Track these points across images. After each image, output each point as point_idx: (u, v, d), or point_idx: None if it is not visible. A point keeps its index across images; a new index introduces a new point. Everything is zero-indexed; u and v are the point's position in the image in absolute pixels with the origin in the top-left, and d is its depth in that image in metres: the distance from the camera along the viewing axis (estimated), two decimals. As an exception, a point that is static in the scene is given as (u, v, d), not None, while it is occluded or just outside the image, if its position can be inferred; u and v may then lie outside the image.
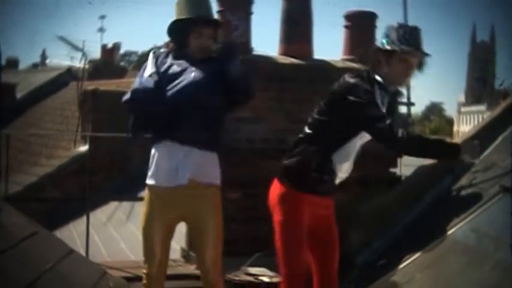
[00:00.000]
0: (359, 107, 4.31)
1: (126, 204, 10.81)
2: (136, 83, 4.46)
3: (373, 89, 4.34)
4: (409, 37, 4.42)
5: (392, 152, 4.57)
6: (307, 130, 4.57)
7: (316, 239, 4.62)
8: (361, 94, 4.30)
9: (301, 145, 4.54)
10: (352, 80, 4.39)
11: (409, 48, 4.40)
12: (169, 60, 4.44)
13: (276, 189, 4.61)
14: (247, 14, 6.45)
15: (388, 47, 4.42)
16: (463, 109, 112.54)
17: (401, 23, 4.60)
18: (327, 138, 4.48)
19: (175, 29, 4.47)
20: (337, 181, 4.65)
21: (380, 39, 4.54)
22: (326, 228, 4.67)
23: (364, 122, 4.37)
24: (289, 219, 4.51)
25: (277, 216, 4.55)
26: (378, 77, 4.43)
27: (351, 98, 4.32)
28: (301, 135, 4.61)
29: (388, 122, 4.22)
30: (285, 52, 6.62)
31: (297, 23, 6.73)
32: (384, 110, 4.30)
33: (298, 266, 4.49)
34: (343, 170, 4.62)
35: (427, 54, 4.54)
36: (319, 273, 4.65)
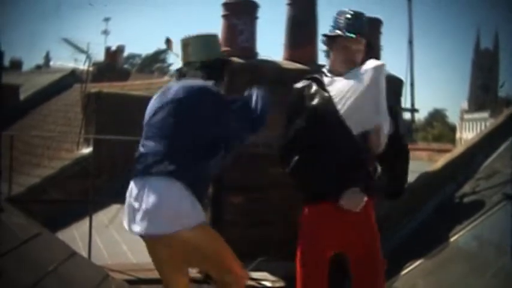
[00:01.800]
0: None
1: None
2: None
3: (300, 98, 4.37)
4: (352, 23, 4.29)
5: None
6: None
7: (353, 254, 4.23)
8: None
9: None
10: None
11: (350, 33, 4.26)
12: None
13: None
14: (253, 18, 6.46)
15: (329, 33, 4.34)
16: (466, 116, 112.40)
17: (342, 9, 4.43)
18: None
19: (216, 65, 4.49)
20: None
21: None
22: (360, 238, 4.22)
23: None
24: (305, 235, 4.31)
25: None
26: (324, 69, 4.41)
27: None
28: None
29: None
30: (290, 57, 6.63)
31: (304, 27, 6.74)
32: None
33: None
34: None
35: (351, 37, 4.30)
36: None
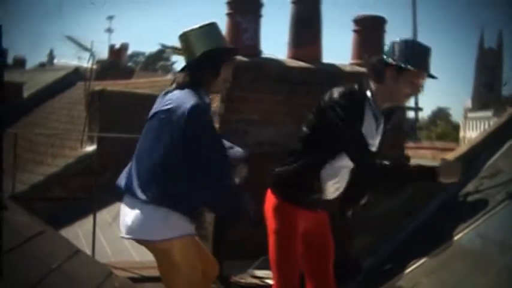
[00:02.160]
0: (337, 126, 4.12)
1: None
2: None
3: (362, 106, 4.19)
4: (423, 57, 4.14)
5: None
6: (298, 141, 4.45)
7: (309, 243, 4.56)
8: (341, 113, 4.09)
9: (291, 157, 4.43)
10: (336, 95, 4.15)
11: (421, 69, 4.11)
12: None
13: (269, 199, 4.53)
14: (257, 16, 6.46)
15: (401, 64, 4.07)
16: (469, 115, 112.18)
17: (415, 41, 4.31)
18: (313, 153, 4.34)
19: (206, 60, 4.28)
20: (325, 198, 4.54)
21: (387, 52, 4.21)
22: (318, 233, 4.60)
23: (342, 143, 4.21)
24: (283, 229, 4.42)
25: (271, 227, 4.48)
26: (368, 93, 4.22)
27: (331, 114, 4.13)
28: (293, 146, 4.49)
29: (365, 151, 4.12)
30: (294, 55, 6.63)
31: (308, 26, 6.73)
32: (374, 129, 4.23)
33: (293, 276, 4.42)
34: (330, 191, 4.46)
35: (435, 77, 4.23)
36: (313, 281, 4.61)
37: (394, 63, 4.11)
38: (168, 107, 4.12)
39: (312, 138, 4.35)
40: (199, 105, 4.04)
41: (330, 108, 4.13)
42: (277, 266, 4.46)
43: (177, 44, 4.47)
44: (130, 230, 4.20)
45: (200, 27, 4.31)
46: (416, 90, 4.22)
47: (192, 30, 4.30)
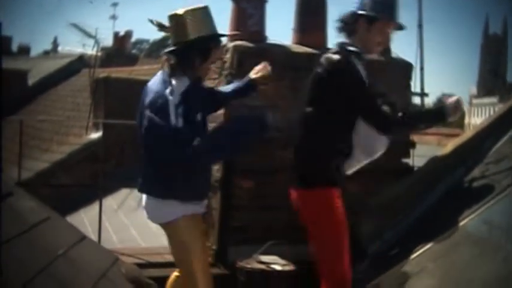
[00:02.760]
0: (348, 89, 4.37)
1: (137, 192, 10.82)
2: None
3: (353, 63, 4.39)
4: (391, 8, 4.49)
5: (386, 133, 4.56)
6: (307, 123, 4.56)
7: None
8: (348, 74, 4.36)
9: (306, 143, 4.54)
10: (336, 62, 4.40)
11: (390, 18, 4.49)
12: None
13: (311, 198, 4.52)
14: (262, 2, 6.44)
15: (373, 15, 4.43)
16: (474, 101, 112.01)
17: None
18: (331, 128, 4.45)
19: (194, 44, 4.40)
20: (351, 170, 4.65)
21: (358, 6, 4.53)
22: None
23: (355, 104, 4.39)
24: (342, 219, 4.47)
25: (328, 223, 4.47)
26: (352, 48, 4.46)
27: (338, 79, 4.37)
28: (301, 142, 4.61)
29: (378, 104, 4.35)
30: (299, 41, 6.60)
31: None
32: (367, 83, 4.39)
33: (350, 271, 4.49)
34: (356, 157, 4.62)
35: (403, 27, 4.64)
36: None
37: (366, 13, 4.44)
38: (150, 98, 4.37)
39: (324, 111, 4.45)
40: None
41: (339, 74, 4.37)
42: (341, 261, 4.46)
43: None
44: (148, 216, 4.60)
45: (193, 10, 4.36)
46: (386, 39, 4.65)
47: (186, 12, 4.34)
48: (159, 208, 4.47)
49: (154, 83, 4.46)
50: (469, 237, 4.62)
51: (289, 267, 5.17)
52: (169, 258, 4.83)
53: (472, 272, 4.23)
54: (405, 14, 4.69)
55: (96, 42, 20.40)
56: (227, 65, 5.99)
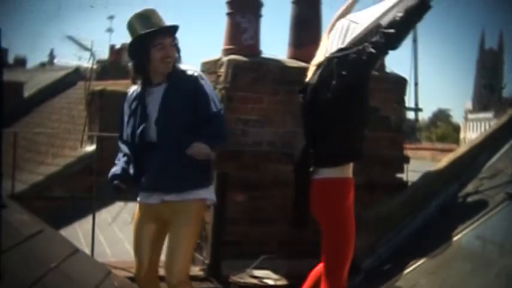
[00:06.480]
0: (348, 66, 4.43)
1: (131, 205, 10.78)
2: None
3: None
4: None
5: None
6: (324, 110, 4.50)
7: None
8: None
9: (325, 132, 4.46)
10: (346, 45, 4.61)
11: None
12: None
13: (329, 185, 4.43)
14: (257, 16, 6.46)
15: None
16: (470, 116, 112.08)
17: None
18: (350, 115, 4.44)
19: (135, 49, 4.40)
20: None
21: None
22: None
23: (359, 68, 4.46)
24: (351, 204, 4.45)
25: (342, 208, 4.39)
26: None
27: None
28: (320, 140, 4.48)
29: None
30: (294, 56, 6.62)
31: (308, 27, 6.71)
32: None
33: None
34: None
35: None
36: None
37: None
38: None
39: (343, 106, 4.42)
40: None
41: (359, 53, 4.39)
42: (350, 247, 4.39)
43: None
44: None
45: (135, 15, 4.39)
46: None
47: (130, 18, 4.38)
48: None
49: None
50: (462, 252, 4.62)
51: (282, 282, 5.15)
52: (162, 272, 4.81)
53: (465, 287, 4.23)
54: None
55: (92, 55, 20.34)
56: (221, 78, 6.00)
